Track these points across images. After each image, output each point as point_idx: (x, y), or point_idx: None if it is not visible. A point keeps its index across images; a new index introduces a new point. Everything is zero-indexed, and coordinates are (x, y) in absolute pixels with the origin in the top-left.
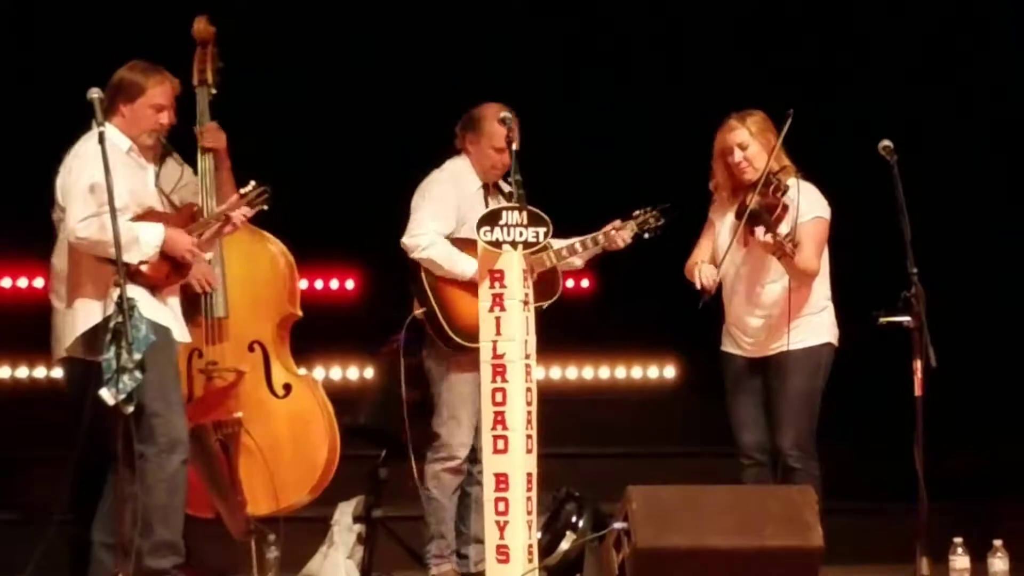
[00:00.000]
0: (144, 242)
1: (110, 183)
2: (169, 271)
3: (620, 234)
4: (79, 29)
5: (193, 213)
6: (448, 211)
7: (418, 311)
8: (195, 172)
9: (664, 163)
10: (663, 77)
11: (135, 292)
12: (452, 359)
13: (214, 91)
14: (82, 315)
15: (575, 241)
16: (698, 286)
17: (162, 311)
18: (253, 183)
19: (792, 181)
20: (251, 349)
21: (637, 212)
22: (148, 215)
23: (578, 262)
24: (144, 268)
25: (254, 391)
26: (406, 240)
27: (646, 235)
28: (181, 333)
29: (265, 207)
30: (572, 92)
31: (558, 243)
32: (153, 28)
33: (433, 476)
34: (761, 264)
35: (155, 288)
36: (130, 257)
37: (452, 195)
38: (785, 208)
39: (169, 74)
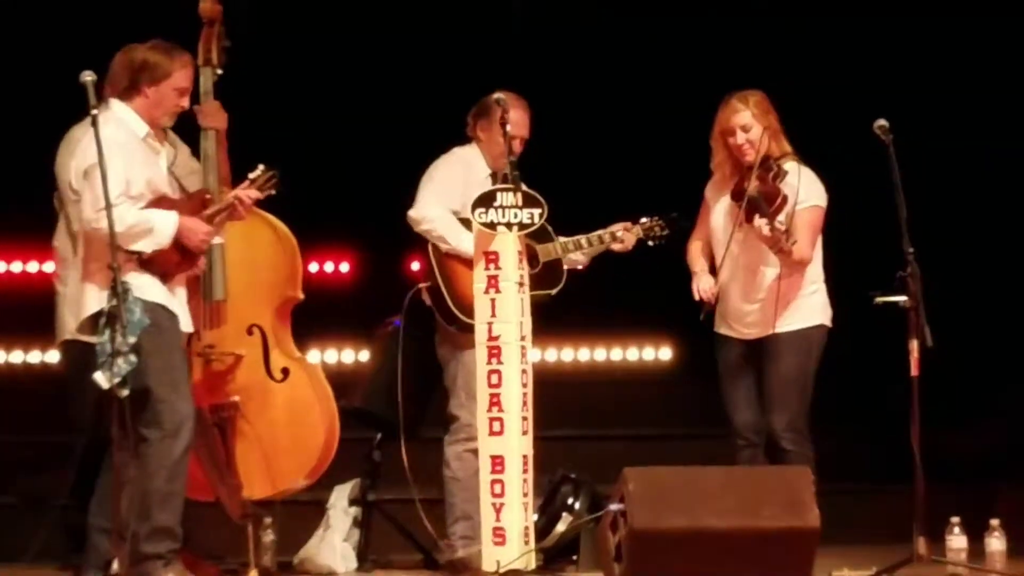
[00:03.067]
0: (158, 231)
1: (103, 166)
2: (180, 259)
3: (626, 236)
4: (83, 5)
5: (204, 200)
6: (454, 191)
7: (422, 285)
8: (195, 153)
9: (664, 151)
10: (657, 67)
11: (146, 279)
12: (464, 340)
13: (219, 71)
14: (91, 298)
15: (581, 237)
16: (696, 298)
17: (170, 298)
18: (262, 167)
19: (792, 166)
20: (250, 332)
21: (644, 220)
22: (160, 202)
23: (581, 259)
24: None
25: (252, 375)
26: (412, 213)
27: (650, 242)
28: (185, 323)
29: (274, 191)
30: (574, 88)
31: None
32: (158, 6)
33: (456, 457)
34: (758, 249)
35: (166, 276)
36: (144, 246)
37: (459, 177)
38: (785, 199)
39: (191, 56)
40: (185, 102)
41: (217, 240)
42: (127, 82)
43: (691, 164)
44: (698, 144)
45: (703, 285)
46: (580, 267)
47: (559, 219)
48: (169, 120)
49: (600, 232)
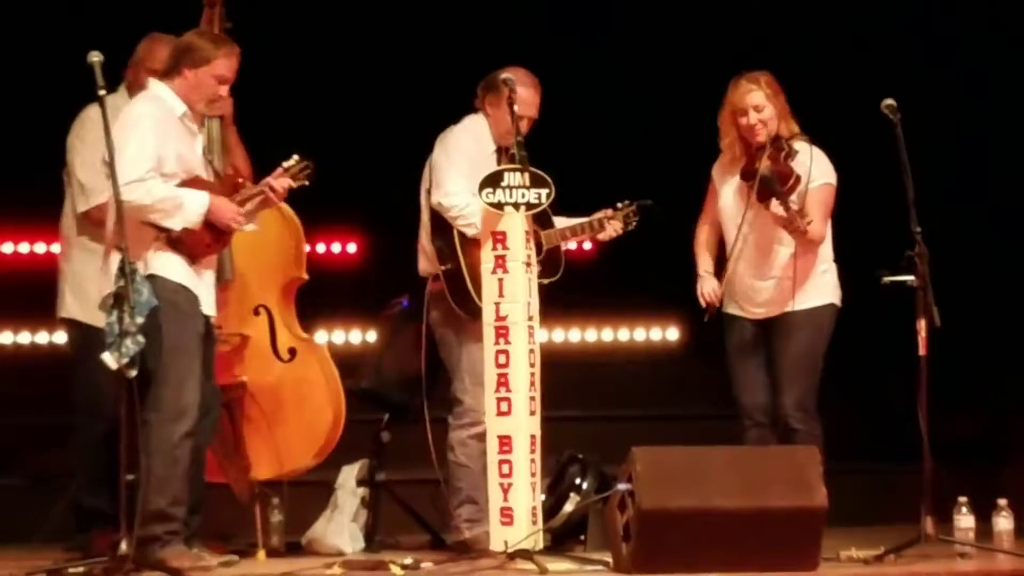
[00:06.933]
0: (189, 209)
1: (110, 145)
2: (210, 240)
3: (612, 224)
4: None
5: (236, 184)
6: (473, 168)
7: (441, 268)
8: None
9: (663, 133)
10: (656, 43)
11: (172, 258)
12: (468, 323)
13: None
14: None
15: (575, 224)
16: (702, 303)
17: (195, 280)
18: (296, 157)
19: (803, 146)
20: (256, 313)
21: (620, 204)
22: (194, 182)
23: (568, 244)
24: (178, 236)
25: (259, 355)
26: (443, 201)
27: (628, 227)
28: (208, 306)
29: (307, 182)
30: (566, 64)
31: (559, 223)
32: None
33: (460, 443)
34: (769, 228)
35: (194, 258)
36: (173, 223)
37: (473, 151)
38: (797, 178)
39: (237, 47)
40: (224, 91)
41: (250, 227)
42: (171, 63)
43: (695, 146)
44: (700, 125)
45: (706, 289)
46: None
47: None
48: (205, 107)
49: (590, 220)
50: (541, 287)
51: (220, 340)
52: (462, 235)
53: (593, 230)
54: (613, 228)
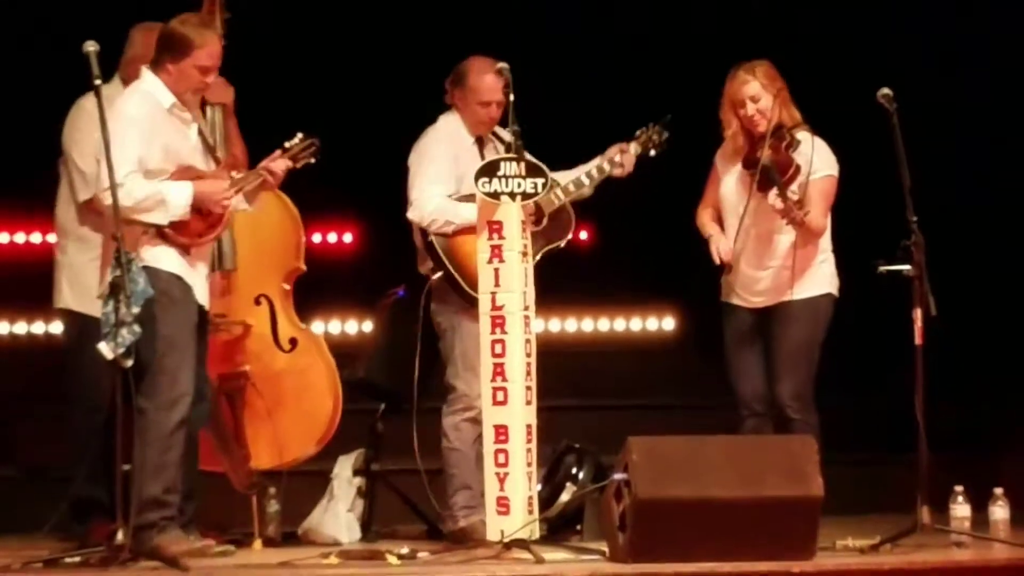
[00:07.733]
0: (172, 203)
1: (107, 138)
2: (203, 229)
3: (625, 157)
4: None
5: (237, 170)
6: (447, 170)
7: (434, 276)
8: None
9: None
10: (657, 20)
11: (163, 250)
12: (462, 311)
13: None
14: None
15: (581, 174)
16: (716, 261)
17: (188, 271)
18: (300, 135)
19: (805, 136)
20: (258, 302)
21: (639, 131)
22: (185, 173)
23: (587, 192)
24: (168, 229)
25: (261, 345)
26: (411, 215)
27: (652, 152)
28: (202, 297)
29: (312, 160)
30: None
31: (564, 177)
32: None
33: (453, 428)
34: (770, 217)
35: (188, 247)
36: (158, 218)
37: (448, 152)
38: (798, 169)
39: (218, 31)
40: (210, 79)
41: (244, 206)
42: (155, 55)
43: (691, 138)
44: (697, 117)
45: (723, 247)
46: (587, 194)
47: (556, 154)
48: (193, 96)
49: (597, 163)
50: (551, 252)
51: (223, 328)
52: (440, 239)
53: (604, 172)
54: (628, 161)
